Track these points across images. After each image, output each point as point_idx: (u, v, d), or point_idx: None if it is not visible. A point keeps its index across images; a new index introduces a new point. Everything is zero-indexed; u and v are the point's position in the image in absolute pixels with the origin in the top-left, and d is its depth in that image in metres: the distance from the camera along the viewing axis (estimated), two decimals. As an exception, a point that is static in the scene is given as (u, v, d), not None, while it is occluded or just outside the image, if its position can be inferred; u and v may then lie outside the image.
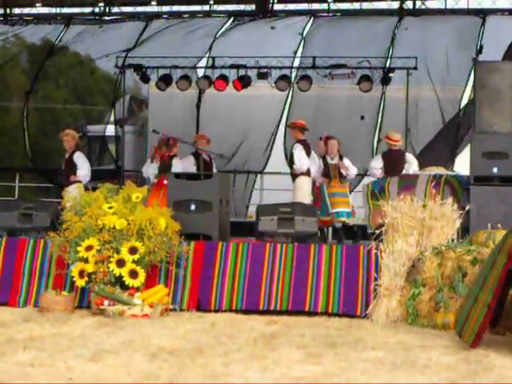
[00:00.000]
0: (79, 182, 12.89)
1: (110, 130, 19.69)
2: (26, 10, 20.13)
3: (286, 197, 12.93)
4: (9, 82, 21.47)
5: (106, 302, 9.28)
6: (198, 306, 9.81)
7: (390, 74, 15.83)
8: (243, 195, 18.58)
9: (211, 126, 17.78)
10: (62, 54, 20.15)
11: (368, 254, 9.72)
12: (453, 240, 9.64)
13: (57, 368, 6.38)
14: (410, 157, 13.69)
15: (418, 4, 18.58)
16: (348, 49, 16.96)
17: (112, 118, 19.72)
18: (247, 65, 16.13)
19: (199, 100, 18.75)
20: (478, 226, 9.82)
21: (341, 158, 13.49)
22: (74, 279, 9.70)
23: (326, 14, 19.05)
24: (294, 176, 13.29)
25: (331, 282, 9.72)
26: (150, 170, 13.91)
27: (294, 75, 17.05)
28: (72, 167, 13.03)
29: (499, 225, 9.38)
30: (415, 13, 18.47)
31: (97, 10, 19.76)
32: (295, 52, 18.44)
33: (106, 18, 19.74)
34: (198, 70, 17.65)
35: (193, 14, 19.63)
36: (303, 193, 13.05)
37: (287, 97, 18.22)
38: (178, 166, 13.51)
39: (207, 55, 18.56)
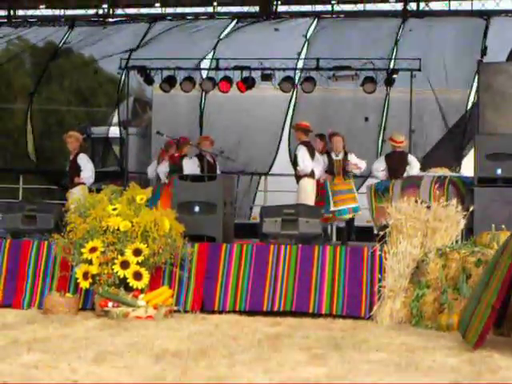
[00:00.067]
0: (83, 183, 12.86)
1: (114, 131, 19.67)
2: (30, 12, 20.08)
3: (291, 198, 12.91)
4: (13, 83, 21.46)
5: (110, 304, 9.29)
6: (202, 307, 9.81)
7: (394, 76, 15.80)
8: (247, 197, 18.57)
9: (215, 127, 17.77)
10: (65, 55, 20.14)
11: (372, 256, 9.73)
12: (457, 241, 9.64)
13: (61, 370, 6.38)
14: (411, 159, 13.61)
15: (422, 5, 18.54)
16: (352, 50, 16.94)
17: (116, 120, 19.71)
18: (251, 66, 16.11)
19: (203, 101, 18.76)
20: (482, 228, 9.81)
21: (346, 154, 13.47)
22: (78, 281, 9.70)
23: (329, 16, 19.03)
24: (298, 178, 13.27)
25: (335, 283, 9.72)
26: (163, 168, 13.92)
27: (297, 77, 17.01)
28: (76, 169, 12.99)
29: (503, 226, 9.40)
30: (419, 14, 18.42)
31: (100, 11, 19.73)
32: (299, 53, 18.39)
33: (110, 19, 19.71)
34: (202, 72, 17.66)
35: (196, 16, 19.63)
36: (307, 194, 13.02)
37: (291, 98, 18.23)
38: (188, 166, 13.52)
39: (211, 57, 18.56)
